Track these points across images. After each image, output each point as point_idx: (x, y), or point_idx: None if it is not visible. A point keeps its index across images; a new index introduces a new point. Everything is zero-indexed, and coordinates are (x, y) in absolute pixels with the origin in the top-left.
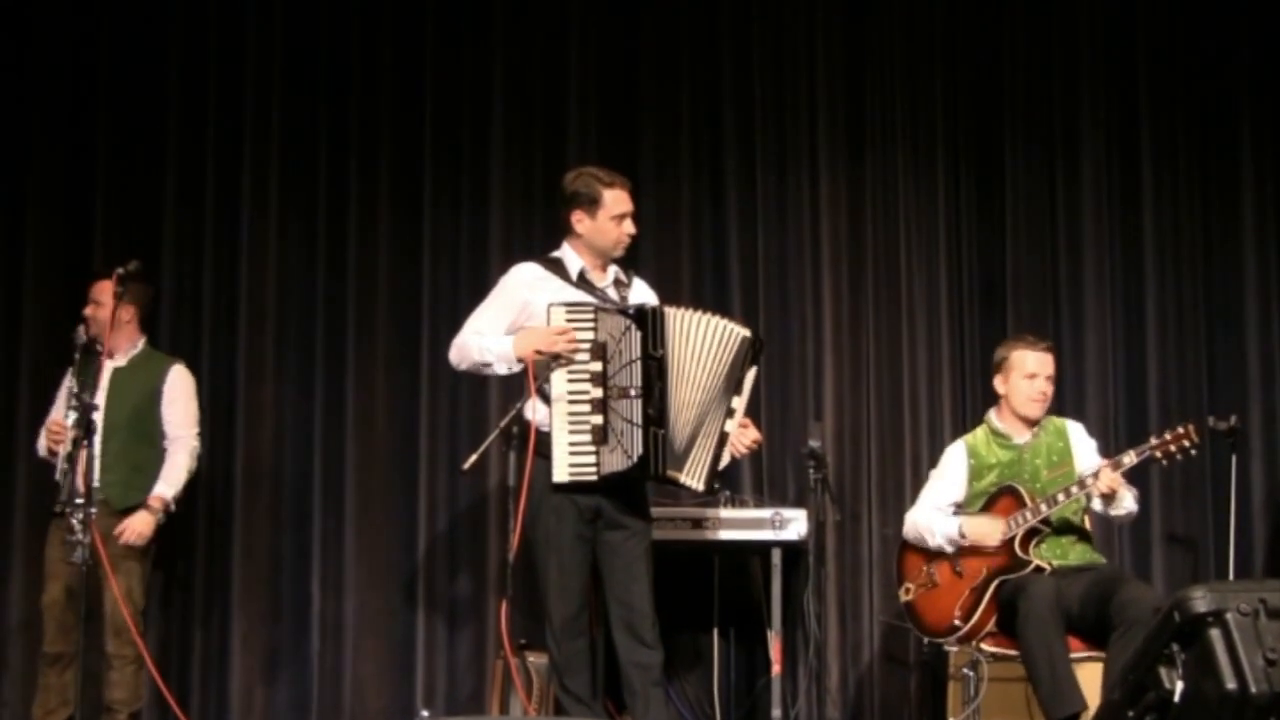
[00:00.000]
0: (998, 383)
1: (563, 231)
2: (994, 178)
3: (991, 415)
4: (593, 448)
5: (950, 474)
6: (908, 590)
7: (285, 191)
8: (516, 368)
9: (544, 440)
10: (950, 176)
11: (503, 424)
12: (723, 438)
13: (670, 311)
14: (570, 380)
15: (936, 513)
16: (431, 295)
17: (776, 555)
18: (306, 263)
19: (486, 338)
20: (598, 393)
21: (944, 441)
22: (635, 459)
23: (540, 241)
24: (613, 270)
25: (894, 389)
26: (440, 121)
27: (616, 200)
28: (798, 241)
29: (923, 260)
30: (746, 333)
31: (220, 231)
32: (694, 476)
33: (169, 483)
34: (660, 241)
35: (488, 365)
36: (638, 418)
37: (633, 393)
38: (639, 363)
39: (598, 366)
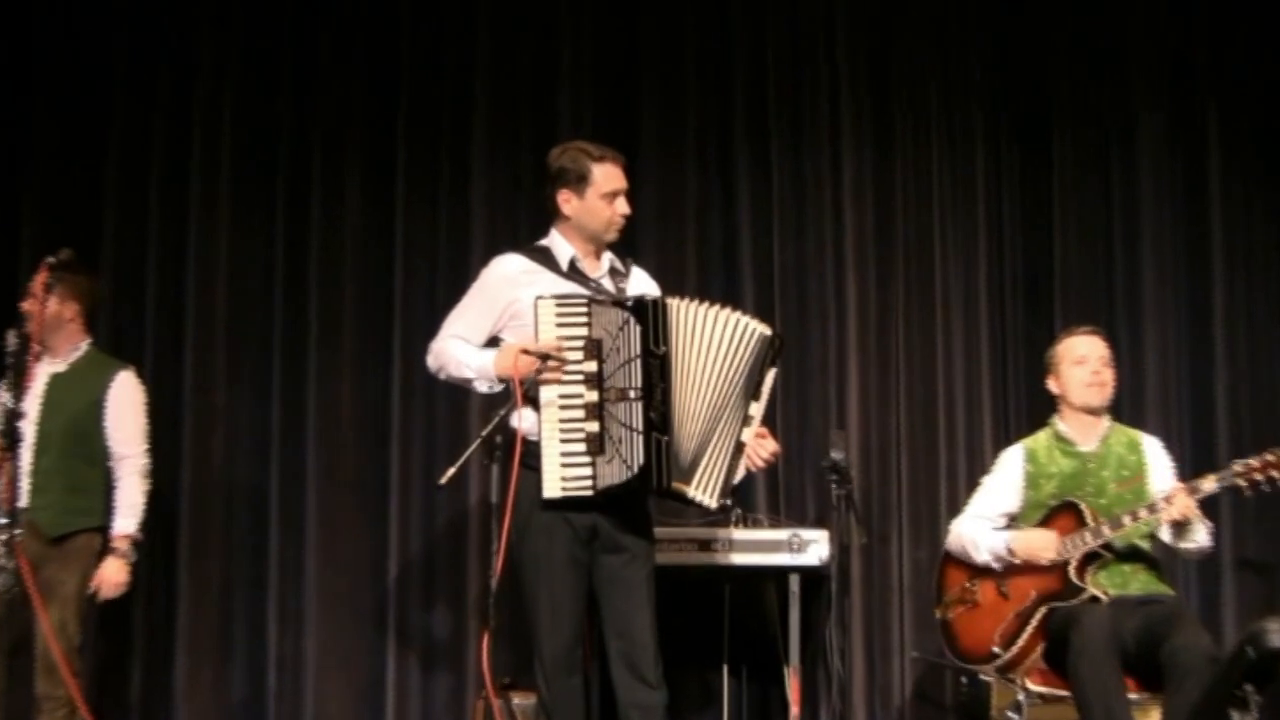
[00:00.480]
0: (1051, 384)
1: (551, 219)
2: (1040, 162)
3: (1055, 419)
4: (588, 458)
5: (1004, 480)
6: (945, 607)
7: (239, 176)
8: (498, 387)
9: (532, 450)
10: (990, 160)
11: (485, 433)
12: (738, 448)
13: (675, 303)
14: (561, 383)
15: (984, 524)
16: (405, 290)
17: (795, 582)
18: (263, 254)
19: (465, 349)
20: (593, 396)
21: (982, 453)
22: (636, 470)
23: (527, 232)
24: (608, 258)
25: (927, 395)
26: (416, 100)
27: (607, 176)
28: (818, 233)
29: (959, 253)
30: (766, 330)
31: (166, 221)
32: (704, 490)
33: (129, 514)
34: (663, 235)
35: (468, 380)
36: (638, 423)
37: (632, 395)
38: (639, 361)
39: (593, 366)
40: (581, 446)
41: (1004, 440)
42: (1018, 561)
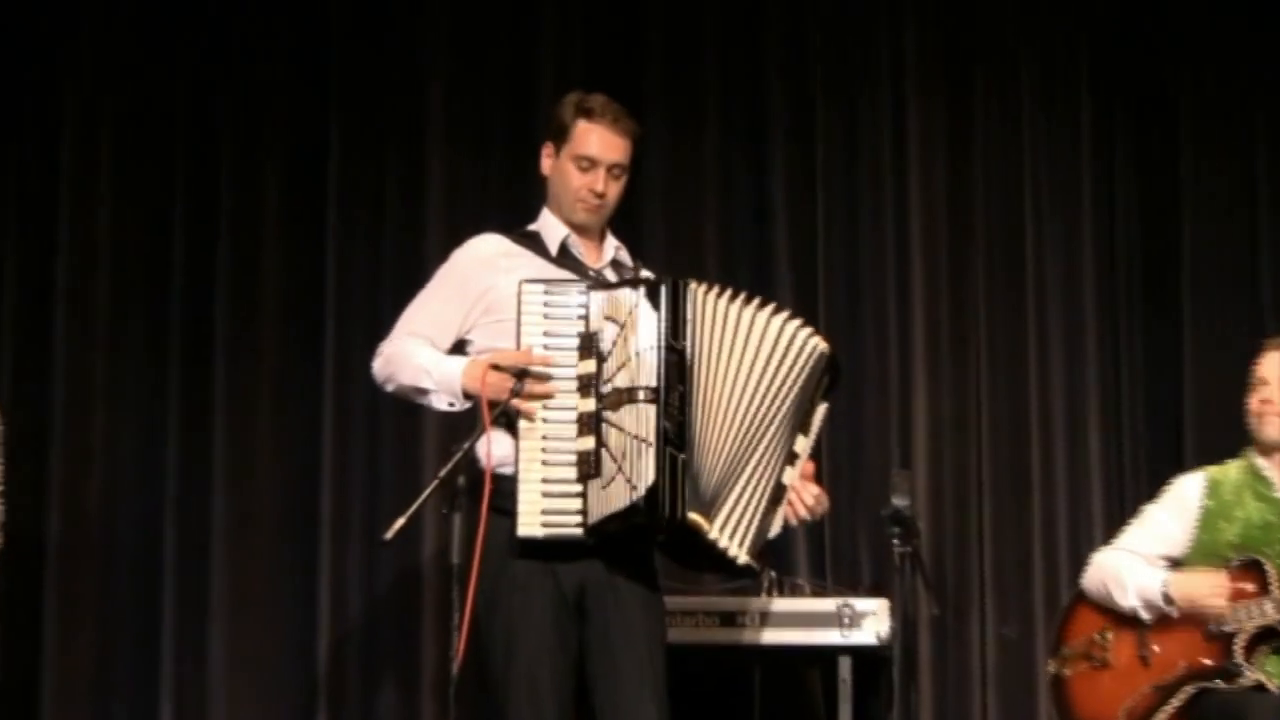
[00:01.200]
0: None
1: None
2: (1163, 119)
3: (1251, 451)
4: (578, 486)
5: (1173, 512)
6: (1064, 661)
7: (124, 148)
8: (461, 405)
9: (505, 489)
10: (1099, 117)
11: (443, 472)
12: (777, 491)
13: (700, 290)
14: (548, 401)
15: (1136, 559)
16: (339, 289)
17: (845, 666)
18: (154, 242)
19: (425, 352)
20: (587, 404)
21: (1088, 498)
22: (642, 490)
23: (501, 214)
24: (611, 246)
25: (1016, 422)
26: (354, 42)
27: (586, 136)
28: (875, 213)
29: (1058, 238)
30: (825, 346)
31: (29, 200)
32: (731, 536)
33: None
34: (673, 217)
35: (424, 392)
36: (648, 430)
37: (641, 395)
38: (652, 354)
39: (589, 366)
40: (570, 472)
41: (1117, 481)
42: (1174, 612)
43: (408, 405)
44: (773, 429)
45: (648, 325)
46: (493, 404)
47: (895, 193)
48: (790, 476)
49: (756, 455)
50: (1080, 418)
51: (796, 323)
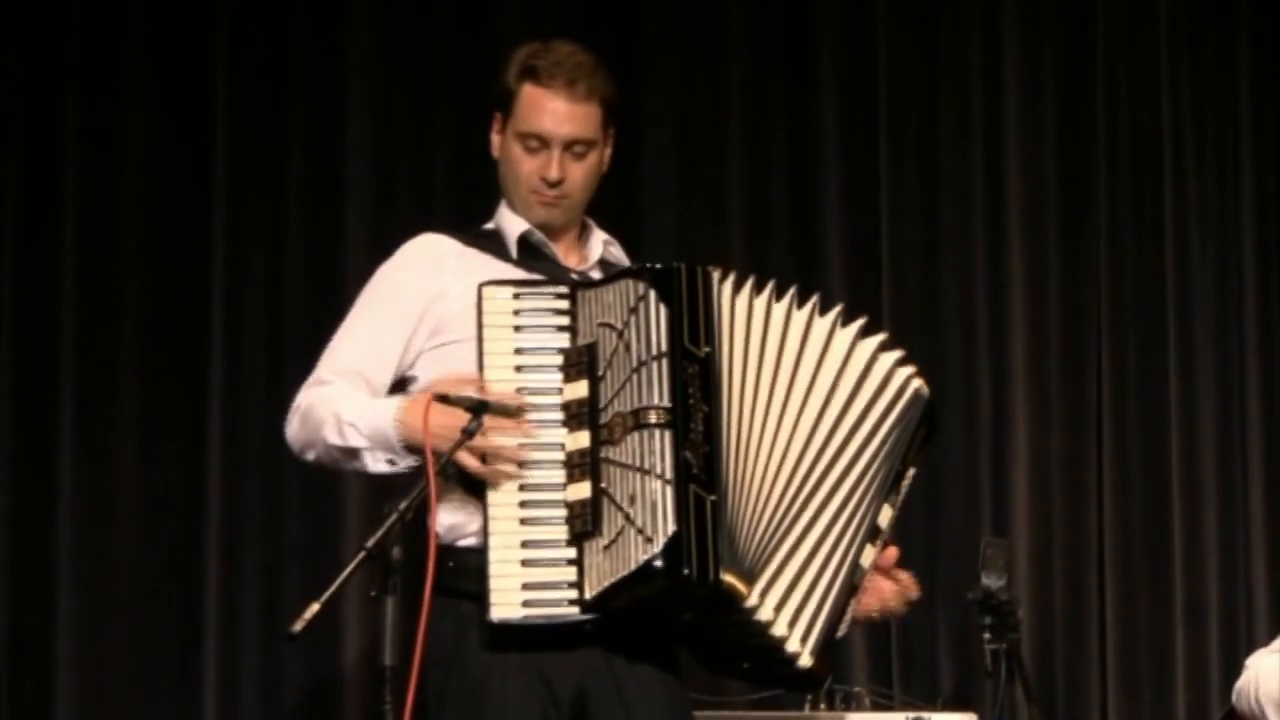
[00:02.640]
0: None
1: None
2: None
3: None
4: (570, 551)
5: None
6: None
7: None
8: (405, 464)
9: (463, 564)
10: (1262, 44)
11: (370, 542)
12: (853, 573)
13: (730, 283)
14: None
15: None
16: (227, 308)
17: None
18: None
19: (350, 397)
20: (579, 440)
21: (1250, 576)
22: (660, 546)
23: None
24: (598, 240)
25: (1151, 473)
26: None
27: (530, 107)
28: (961, 187)
29: (1209, 215)
30: (923, 387)
31: None
32: (792, 624)
33: None
34: (686, 188)
35: (353, 454)
36: (663, 465)
37: (653, 418)
38: (664, 363)
39: (579, 390)
40: (558, 531)
41: None
42: None
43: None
44: (849, 484)
45: (657, 326)
46: (437, 454)
47: (986, 153)
48: (869, 559)
49: (827, 517)
50: (1238, 467)
51: (875, 342)
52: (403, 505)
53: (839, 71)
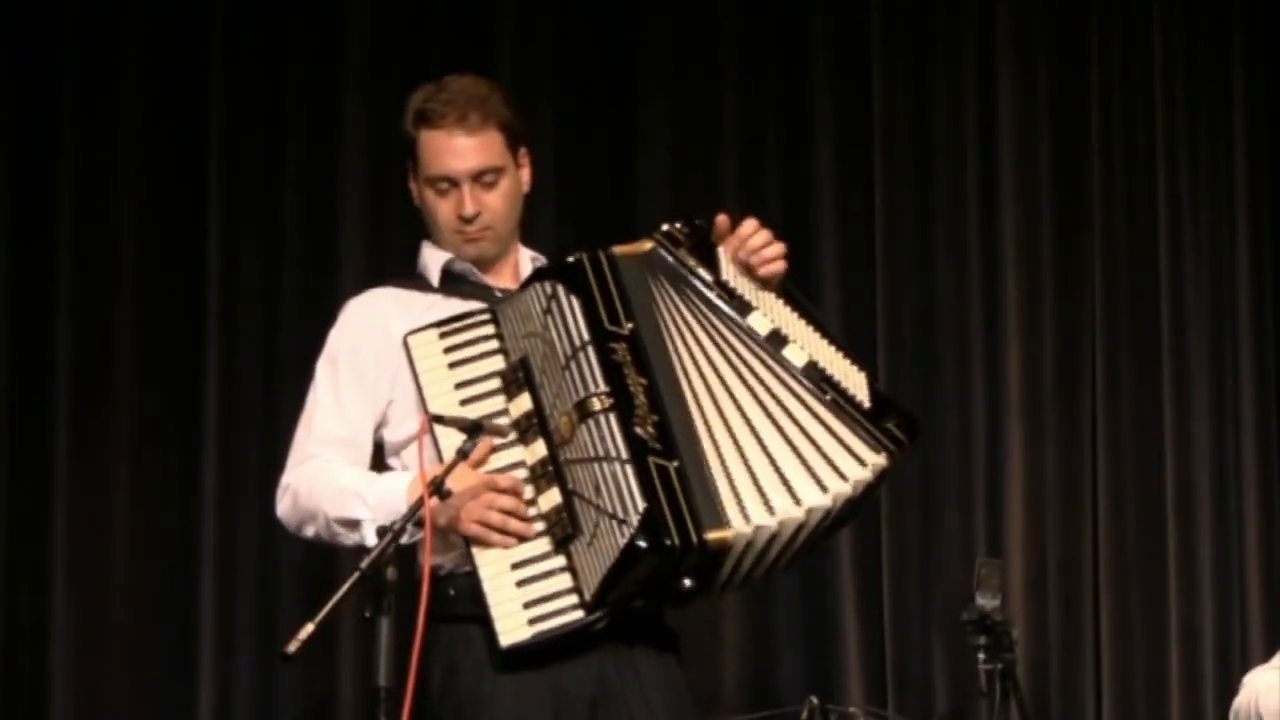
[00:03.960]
0: None
1: None
2: None
3: None
4: (559, 559)
5: None
6: None
7: None
8: (410, 538)
9: (463, 591)
10: (1256, 63)
11: (365, 563)
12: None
13: (630, 255)
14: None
15: None
16: (222, 328)
17: None
18: None
19: (350, 474)
20: (537, 450)
21: (1245, 595)
22: (634, 523)
23: None
24: (526, 257)
25: (1146, 495)
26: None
27: (428, 152)
28: (955, 198)
29: (1205, 235)
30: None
31: None
32: (750, 512)
33: None
34: (680, 193)
35: (354, 524)
36: (617, 447)
37: (597, 405)
38: (590, 351)
39: (524, 404)
40: (543, 544)
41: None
42: None
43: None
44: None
45: (575, 318)
46: (436, 480)
47: (981, 176)
48: (798, 356)
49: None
50: (1233, 489)
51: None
52: (397, 526)
53: (833, 93)
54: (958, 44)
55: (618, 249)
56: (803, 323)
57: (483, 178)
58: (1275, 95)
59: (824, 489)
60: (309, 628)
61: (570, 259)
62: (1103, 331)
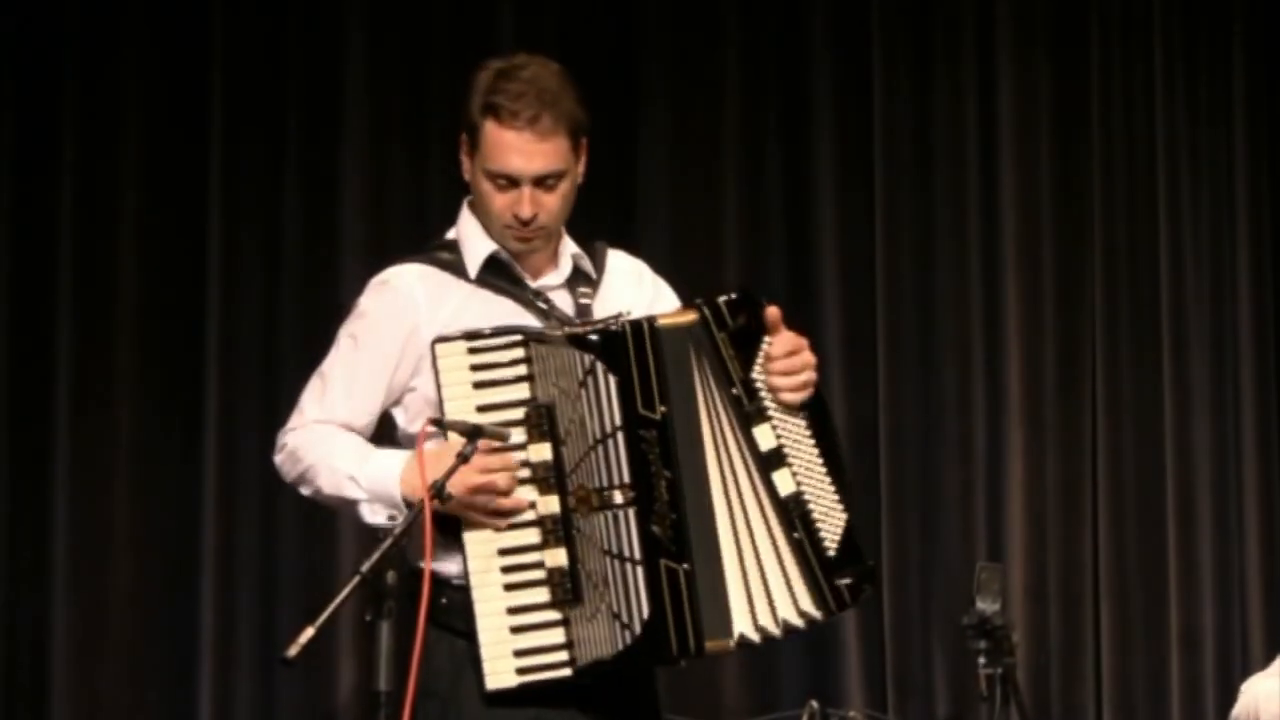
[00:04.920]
0: None
1: None
2: None
3: None
4: (555, 614)
5: None
6: None
7: None
8: (404, 517)
9: (456, 603)
10: (1256, 68)
11: (365, 566)
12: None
13: (670, 324)
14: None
15: None
16: (222, 332)
17: None
18: None
19: (345, 446)
20: (549, 504)
21: (1245, 600)
22: (637, 631)
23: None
24: (568, 252)
25: (1146, 500)
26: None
27: (495, 147)
28: (954, 202)
29: (1204, 241)
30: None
31: None
32: (759, 620)
33: None
34: (680, 199)
35: (350, 504)
36: (631, 547)
37: (618, 498)
38: (620, 438)
39: (543, 452)
40: (542, 595)
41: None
42: None
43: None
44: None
45: (609, 397)
46: (435, 483)
47: (981, 183)
48: (785, 480)
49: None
50: (1233, 494)
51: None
52: (397, 530)
53: (834, 96)
54: (958, 47)
55: (663, 319)
56: (811, 442)
57: (545, 181)
58: (1276, 102)
59: (756, 627)
60: (309, 631)
61: (612, 332)
62: (1103, 335)
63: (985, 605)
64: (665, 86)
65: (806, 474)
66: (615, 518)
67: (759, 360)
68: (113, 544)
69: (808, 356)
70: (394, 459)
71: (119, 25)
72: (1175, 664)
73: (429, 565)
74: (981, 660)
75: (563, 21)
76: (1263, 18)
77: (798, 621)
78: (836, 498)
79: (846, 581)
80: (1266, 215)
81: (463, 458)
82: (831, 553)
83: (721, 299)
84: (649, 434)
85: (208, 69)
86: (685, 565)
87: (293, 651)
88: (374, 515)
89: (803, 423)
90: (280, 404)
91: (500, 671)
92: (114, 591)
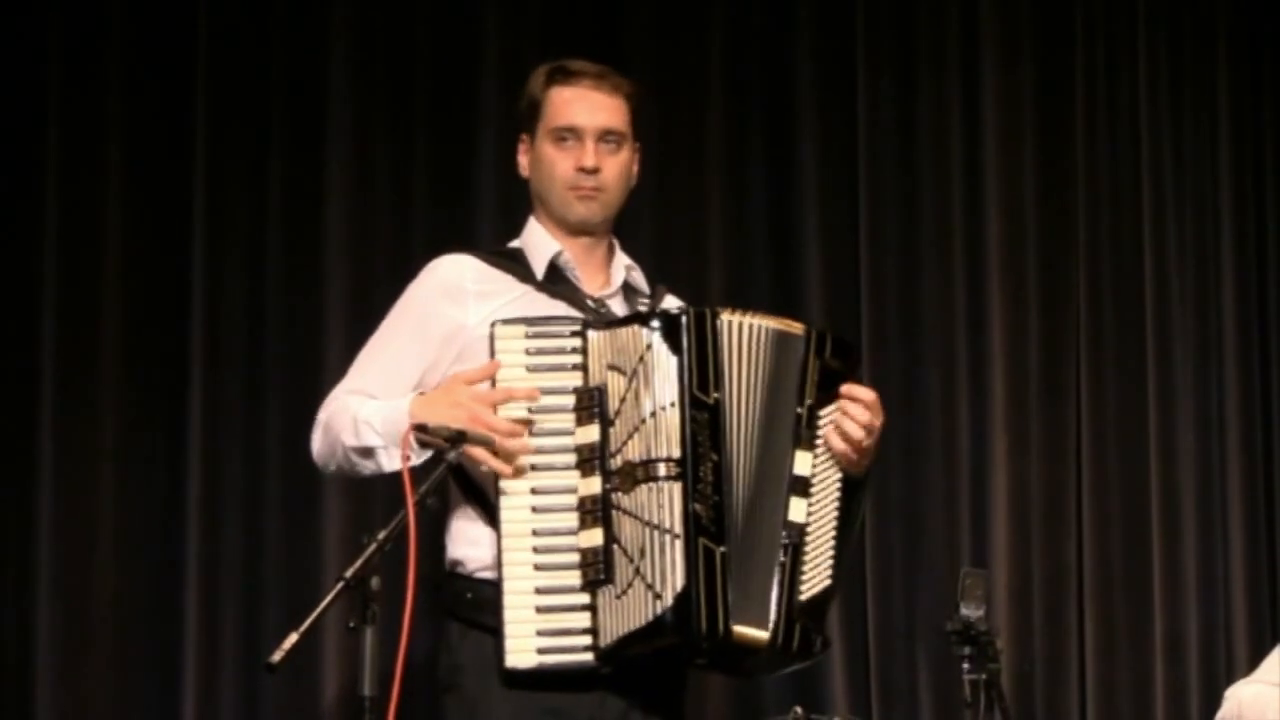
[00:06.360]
0: None
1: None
2: None
3: None
4: (583, 596)
5: None
6: None
7: None
8: (421, 457)
9: (481, 597)
10: (1241, 77)
11: (350, 571)
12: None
13: (736, 320)
14: (536, 463)
15: None
16: (206, 336)
17: None
18: None
19: (364, 404)
20: (591, 485)
21: (1230, 606)
22: (670, 601)
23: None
24: (622, 265)
25: (1131, 505)
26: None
27: (560, 104)
28: (939, 208)
29: (1189, 248)
30: (776, 325)
31: None
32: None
33: None
34: (666, 208)
35: (369, 452)
36: (672, 517)
37: (662, 471)
38: (673, 412)
39: (590, 434)
40: (572, 578)
41: (1269, 585)
42: None
43: (301, 478)
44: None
45: (666, 374)
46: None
47: (965, 188)
48: (800, 510)
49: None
50: (1217, 501)
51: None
52: (381, 535)
53: (819, 106)
54: (942, 55)
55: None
56: (835, 506)
57: (607, 137)
58: (1260, 108)
59: None
60: (293, 637)
61: (676, 314)
62: (1087, 342)
63: (969, 611)
64: (648, 91)
65: (818, 524)
66: (660, 489)
67: (832, 406)
68: (97, 548)
69: (877, 424)
70: (402, 401)
71: (102, 32)
72: (1160, 670)
73: (413, 570)
74: (966, 666)
75: (545, 25)
76: (1247, 24)
77: (749, 635)
78: (831, 562)
79: (808, 630)
80: (1251, 222)
81: (449, 465)
82: (802, 599)
83: (831, 334)
84: (701, 415)
85: (192, 74)
86: (723, 548)
87: (276, 658)
88: (390, 461)
89: (839, 486)
90: (265, 408)
91: (519, 649)
92: (98, 596)
